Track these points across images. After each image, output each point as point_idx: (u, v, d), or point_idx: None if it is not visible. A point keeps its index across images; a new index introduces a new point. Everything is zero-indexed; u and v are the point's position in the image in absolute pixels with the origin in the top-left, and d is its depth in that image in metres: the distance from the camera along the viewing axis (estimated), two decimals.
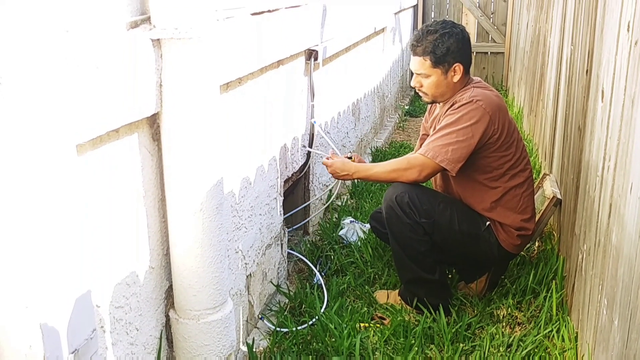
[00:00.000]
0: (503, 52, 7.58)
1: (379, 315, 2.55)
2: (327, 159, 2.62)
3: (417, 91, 2.57)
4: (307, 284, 2.76)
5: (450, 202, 2.51)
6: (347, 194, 3.89)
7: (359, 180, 2.61)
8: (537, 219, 2.87)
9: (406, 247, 2.45)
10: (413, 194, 2.41)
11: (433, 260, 2.48)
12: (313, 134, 2.99)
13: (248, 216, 2.26)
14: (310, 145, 2.99)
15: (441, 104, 2.56)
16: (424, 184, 2.55)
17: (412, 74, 2.56)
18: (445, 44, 2.42)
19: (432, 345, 2.32)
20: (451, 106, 2.44)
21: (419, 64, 2.47)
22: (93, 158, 1.34)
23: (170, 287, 1.75)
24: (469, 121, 2.34)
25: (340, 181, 3.17)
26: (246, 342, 2.24)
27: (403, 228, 2.42)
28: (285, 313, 2.51)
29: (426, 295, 2.50)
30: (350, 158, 2.72)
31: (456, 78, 2.46)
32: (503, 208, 2.49)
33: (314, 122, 2.96)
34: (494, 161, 2.44)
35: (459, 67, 2.45)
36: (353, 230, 3.21)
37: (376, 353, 2.25)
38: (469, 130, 2.34)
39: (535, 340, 2.30)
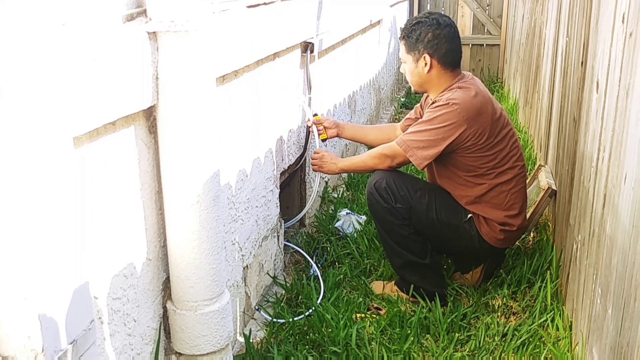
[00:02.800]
0: (499, 44, 7.58)
1: (375, 305, 2.57)
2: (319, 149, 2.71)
3: None
4: (304, 275, 2.78)
5: (430, 190, 2.53)
6: (343, 185, 3.90)
7: (344, 172, 2.71)
8: (532, 210, 2.89)
9: (390, 231, 2.52)
10: (390, 180, 2.49)
11: (421, 244, 2.51)
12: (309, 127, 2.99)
13: (245, 208, 2.27)
14: (307, 136, 2.99)
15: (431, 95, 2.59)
16: (407, 172, 2.59)
17: None
18: (416, 32, 2.47)
19: (427, 335, 2.34)
20: (432, 104, 2.47)
21: (400, 47, 2.57)
22: (90, 150, 1.35)
23: (168, 279, 1.75)
24: (441, 123, 2.38)
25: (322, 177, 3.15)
26: (243, 333, 2.26)
27: (383, 213, 2.49)
28: (282, 304, 2.52)
29: (420, 282, 2.52)
30: (316, 115, 2.82)
31: (426, 69, 2.48)
32: (487, 204, 2.50)
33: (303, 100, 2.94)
34: (475, 161, 2.45)
35: (428, 59, 2.46)
36: (349, 222, 3.22)
37: (372, 343, 2.27)
38: (440, 132, 2.38)
39: (530, 329, 2.32)
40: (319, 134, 2.85)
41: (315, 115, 2.85)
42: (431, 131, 2.39)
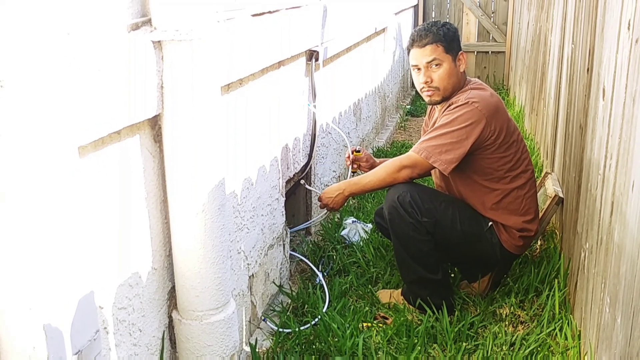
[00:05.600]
0: (504, 52, 7.57)
1: (382, 314, 2.55)
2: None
3: (425, 90, 2.49)
4: (310, 284, 2.77)
5: (452, 202, 2.51)
6: None
7: (354, 195, 2.64)
8: (539, 217, 2.87)
9: (409, 247, 2.45)
10: (415, 194, 2.42)
11: (436, 260, 2.48)
12: (315, 134, 2.99)
13: (250, 217, 2.27)
14: (313, 144, 2.99)
15: (439, 107, 2.57)
16: (426, 184, 2.55)
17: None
18: (450, 31, 2.48)
19: (435, 345, 2.32)
20: (448, 107, 2.45)
21: (430, 50, 2.44)
22: (95, 160, 1.35)
23: (173, 288, 1.75)
24: (464, 123, 2.35)
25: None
26: (249, 343, 2.25)
27: (406, 228, 2.42)
28: (288, 313, 2.51)
29: (429, 295, 2.50)
30: (358, 152, 2.75)
31: (462, 67, 2.49)
32: (505, 210, 2.49)
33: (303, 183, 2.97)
34: (493, 163, 2.44)
35: (463, 56, 2.50)
36: (355, 230, 3.21)
37: (379, 353, 2.25)
38: (464, 132, 2.35)
39: (538, 338, 2.30)
40: (352, 169, 2.78)
41: (358, 152, 2.76)
42: (453, 133, 2.35)
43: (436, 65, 2.45)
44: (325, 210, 2.78)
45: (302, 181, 2.97)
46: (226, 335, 1.78)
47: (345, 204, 2.72)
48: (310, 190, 3.10)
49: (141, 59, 1.44)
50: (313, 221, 3.21)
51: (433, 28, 2.47)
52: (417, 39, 2.48)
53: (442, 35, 2.45)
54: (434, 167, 2.41)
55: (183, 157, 1.58)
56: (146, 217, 1.59)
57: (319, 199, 2.65)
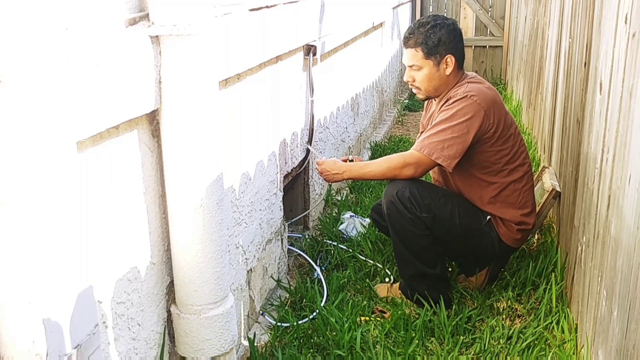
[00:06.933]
0: (501, 46, 7.58)
1: (380, 308, 2.56)
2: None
3: (410, 87, 2.57)
4: (308, 278, 2.77)
5: (451, 197, 2.51)
6: (347, 188, 3.90)
7: (351, 180, 2.65)
8: (536, 211, 2.88)
9: (408, 242, 2.46)
10: (414, 189, 2.42)
11: (434, 254, 2.49)
12: (312, 129, 2.99)
13: (248, 212, 2.27)
14: (310, 140, 2.99)
15: (436, 100, 2.57)
16: (424, 178, 2.56)
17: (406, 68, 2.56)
18: (436, 35, 2.43)
19: (432, 338, 2.33)
20: (445, 102, 2.45)
21: (410, 55, 2.47)
22: (93, 155, 1.35)
23: (172, 283, 1.75)
24: (463, 117, 2.35)
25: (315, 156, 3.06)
26: (247, 337, 2.25)
27: (405, 223, 2.42)
28: (286, 307, 2.52)
29: (427, 290, 2.51)
30: (351, 161, 2.73)
31: (448, 71, 2.46)
32: (502, 203, 2.49)
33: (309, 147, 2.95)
34: (492, 156, 2.44)
35: (450, 59, 2.45)
36: (353, 224, 3.22)
37: (377, 346, 2.26)
38: (464, 126, 2.34)
39: (535, 332, 2.31)
40: None
41: (351, 161, 2.73)
42: (454, 127, 2.35)
43: (416, 69, 2.48)
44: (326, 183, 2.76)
45: (308, 146, 2.95)
46: (225, 330, 1.79)
47: (343, 199, 2.73)
48: (314, 154, 3.06)
49: (139, 54, 1.44)
50: (309, 211, 3.22)
51: (419, 30, 2.45)
52: (404, 40, 2.51)
53: (423, 40, 2.43)
54: (438, 164, 2.40)
55: (181, 152, 1.58)
56: (144, 211, 1.59)
57: (319, 163, 2.64)
